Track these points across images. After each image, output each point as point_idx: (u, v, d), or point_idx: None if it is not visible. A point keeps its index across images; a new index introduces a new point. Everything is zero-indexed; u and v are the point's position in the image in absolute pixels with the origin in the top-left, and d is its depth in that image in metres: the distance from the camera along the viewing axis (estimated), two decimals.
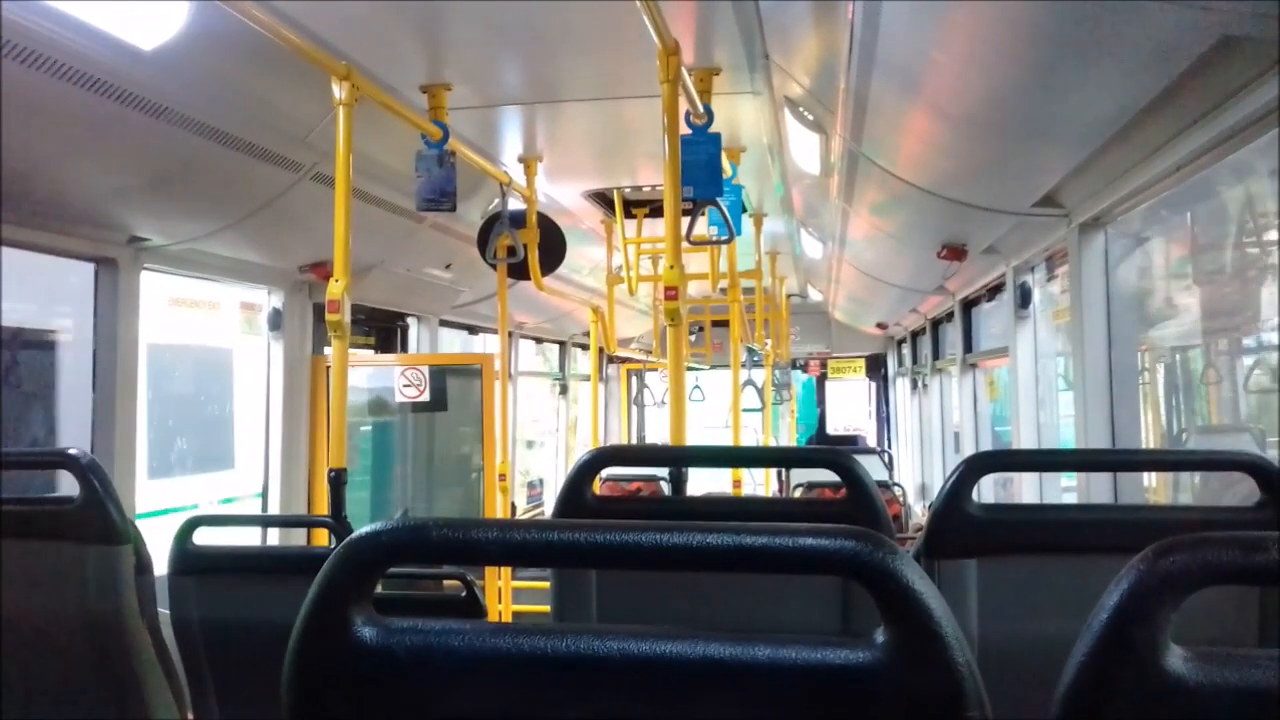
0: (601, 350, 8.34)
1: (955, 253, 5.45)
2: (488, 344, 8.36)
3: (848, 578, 0.81)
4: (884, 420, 14.53)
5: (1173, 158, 3.07)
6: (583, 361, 11.13)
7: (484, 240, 5.48)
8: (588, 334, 8.23)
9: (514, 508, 6.47)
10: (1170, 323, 4.65)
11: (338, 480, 3.52)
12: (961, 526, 1.89)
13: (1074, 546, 1.84)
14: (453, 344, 8.00)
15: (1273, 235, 3.79)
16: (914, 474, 11.83)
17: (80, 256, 3.99)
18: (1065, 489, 5.16)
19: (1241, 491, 1.88)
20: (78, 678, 2.19)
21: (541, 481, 10.89)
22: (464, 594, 2.77)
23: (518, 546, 0.86)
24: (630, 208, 6.71)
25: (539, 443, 11.30)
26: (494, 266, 5.49)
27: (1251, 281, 4.02)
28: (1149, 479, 4.31)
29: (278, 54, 3.10)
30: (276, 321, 5.37)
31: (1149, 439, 4.53)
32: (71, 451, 2.24)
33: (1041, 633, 1.66)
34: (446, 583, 3.15)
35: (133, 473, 4.16)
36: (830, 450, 2.48)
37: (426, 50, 3.85)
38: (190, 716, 2.64)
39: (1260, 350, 4.13)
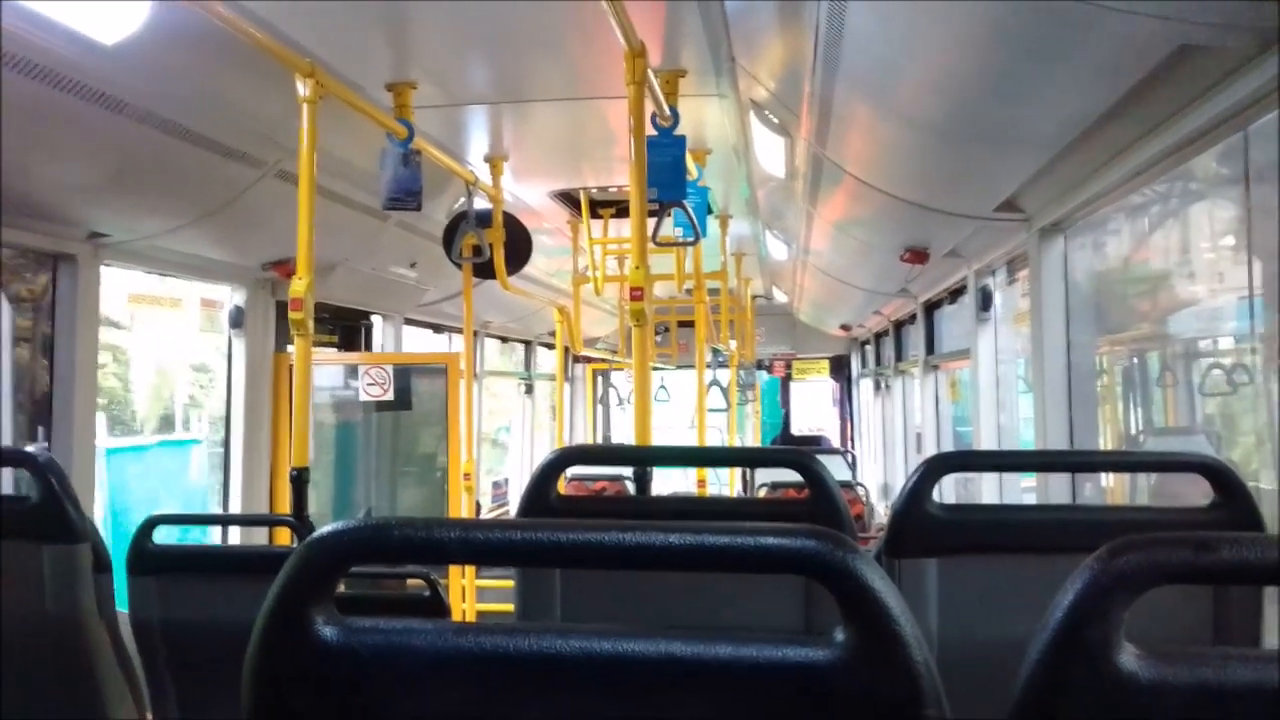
0: (567, 350, 8.33)
1: (918, 256, 5.50)
2: (453, 344, 8.33)
3: (808, 577, 0.82)
4: (848, 421, 14.61)
5: (1131, 164, 3.11)
6: (547, 361, 11.11)
7: (449, 239, 5.46)
8: (553, 334, 8.22)
9: (479, 507, 6.45)
10: (1128, 326, 4.71)
11: (300, 479, 3.50)
12: (922, 526, 1.91)
13: (1032, 546, 1.86)
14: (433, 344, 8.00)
15: (1229, 240, 3.85)
16: (877, 474, 11.91)
17: (39, 252, 3.93)
18: (1025, 489, 5.22)
19: (1198, 492, 1.91)
20: (35, 677, 2.16)
21: (507, 481, 10.87)
22: (428, 594, 2.76)
23: (480, 546, 0.86)
24: (596, 208, 6.71)
25: (502, 443, 11.28)
26: (459, 266, 5.47)
27: (1208, 286, 4.09)
28: (1107, 480, 4.37)
29: (242, 50, 3.08)
30: (238, 319, 5.32)
31: (1106, 441, 4.59)
32: (29, 450, 2.22)
33: (1000, 632, 1.68)
34: (410, 582, 3.13)
35: (92, 472, 4.11)
36: (793, 451, 2.50)
37: (392, 48, 3.83)
38: (149, 717, 2.61)
39: (1216, 354, 4.20)
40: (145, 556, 2.63)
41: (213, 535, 5.82)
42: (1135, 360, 4.83)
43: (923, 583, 1.88)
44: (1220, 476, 1.85)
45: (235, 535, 5.32)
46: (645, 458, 3.43)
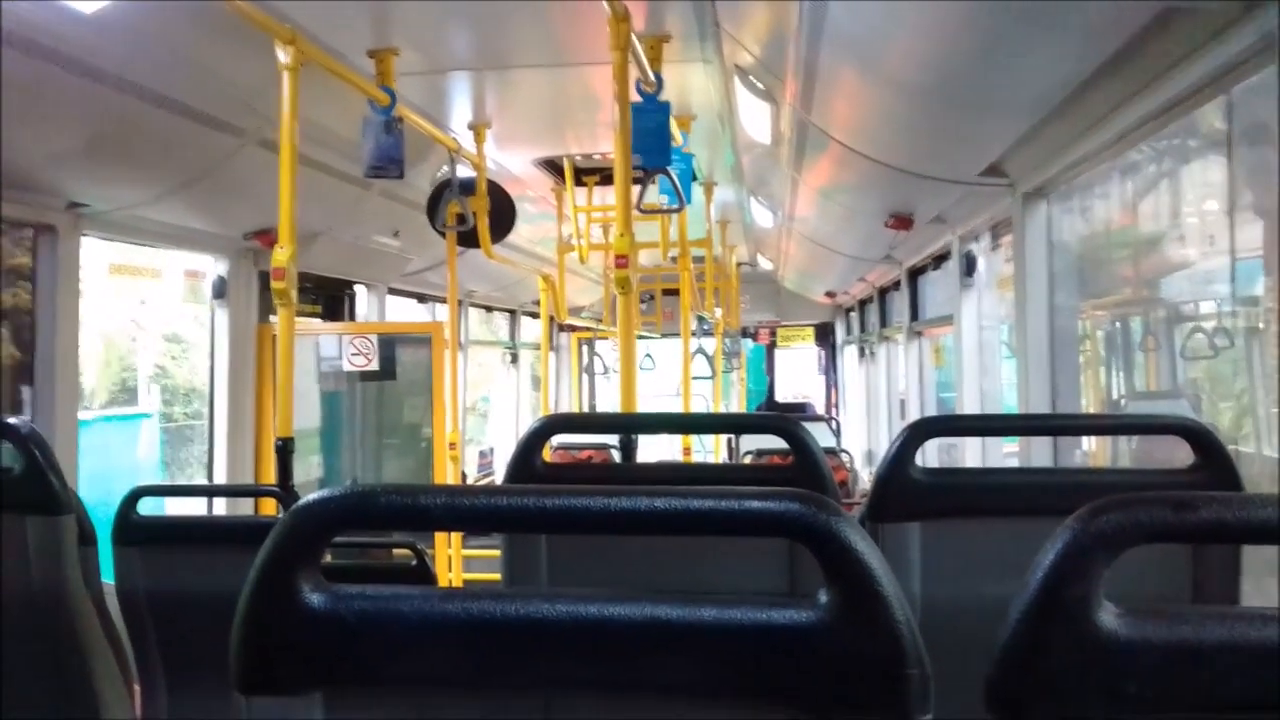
0: (552, 319, 8.32)
1: (902, 222, 5.50)
2: (437, 313, 8.31)
3: (791, 539, 0.82)
4: (832, 388, 14.66)
5: (1115, 128, 3.11)
6: (531, 330, 11.10)
7: (433, 208, 5.44)
8: (538, 303, 8.20)
9: (464, 476, 6.46)
10: (1111, 291, 4.73)
11: (285, 449, 3.50)
12: (905, 491, 1.92)
13: (1014, 509, 1.88)
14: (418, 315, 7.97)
15: (1212, 204, 3.86)
16: (862, 441, 11.96)
17: (18, 223, 3.90)
18: (1008, 454, 5.26)
19: (1182, 456, 1.93)
20: (21, 650, 2.16)
21: (492, 450, 10.88)
22: (414, 562, 2.77)
23: (465, 512, 0.86)
24: (581, 175, 6.68)
25: (481, 412, 11.27)
26: (443, 234, 5.45)
27: (1190, 250, 4.10)
28: (1088, 444, 4.40)
29: (221, 17, 3.04)
30: (221, 289, 5.29)
31: (1089, 405, 4.62)
32: (10, 421, 2.21)
33: (982, 593, 1.69)
34: (397, 552, 3.14)
35: (74, 442, 4.09)
36: (777, 416, 2.51)
37: (373, 14, 3.79)
38: (136, 688, 2.62)
39: (1198, 318, 4.22)
40: (130, 528, 2.62)
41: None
42: (1118, 325, 4.85)
43: (906, 546, 1.90)
44: (1200, 438, 1.87)
45: (220, 506, 5.32)
46: (630, 425, 3.44)
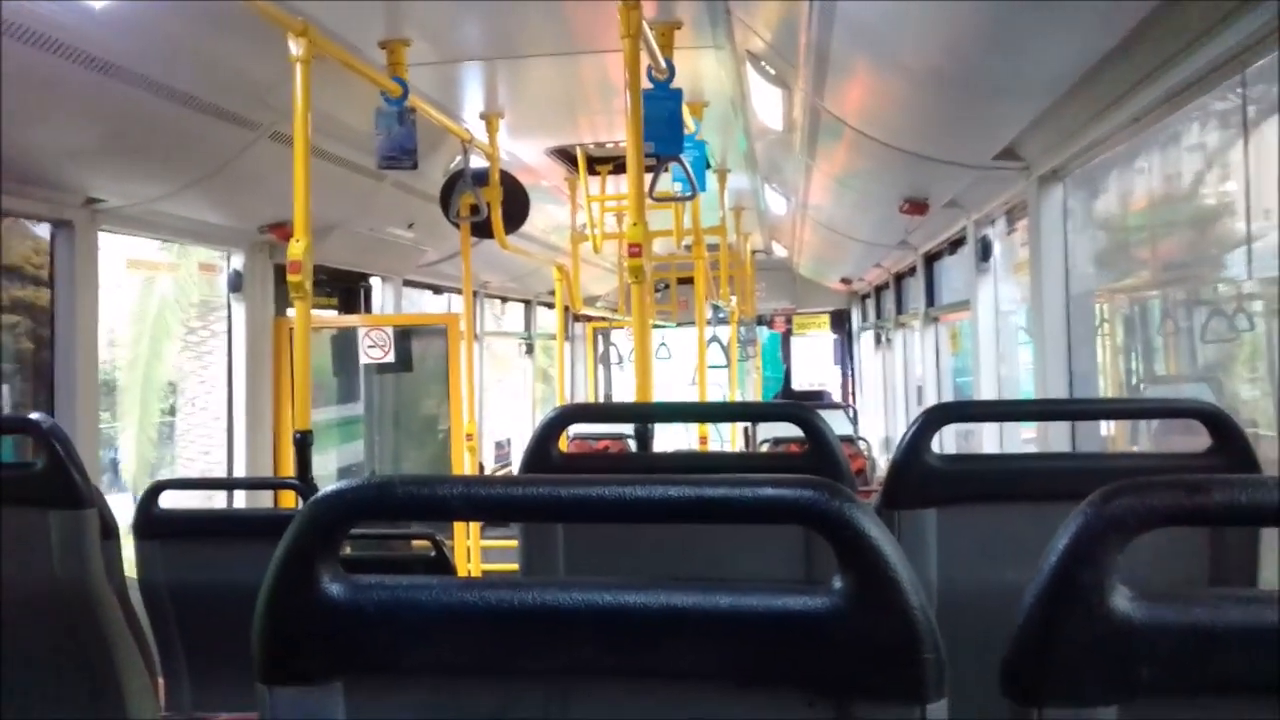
0: (567, 309, 8.33)
1: (917, 207, 5.47)
2: (452, 305, 8.33)
3: (804, 526, 0.83)
4: (849, 375, 14.62)
5: (1130, 109, 3.09)
6: (547, 320, 11.11)
7: (446, 199, 5.44)
8: (553, 293, 8.21)
9: (481, 467, 6.48)
10: (1128, 274, 4.70)
11: (303, 442, 3.52)
12: (920, 477, 1.92)
13: (1030, 494, 1.87)
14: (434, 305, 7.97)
15: (1230, 186, 3.83)
16: (879, 428, 11.93)
17: (36, 218, 3.93)
18: (1026, 440, 5.24)
19: (1203, 440, 1.91)
20: (45, 644, 2.18)
21: (509, 441, 10.91)
22: (433, 553, 2.79)
23: (482, 502, 0.87)
24: (594, 164, 6.67)
25: (499, 402, 11.28)
26: (457, 225, 5.45)
27: (1209, 233, 4.07)
28: (1107, 429, 4.38)
29: (232, 10, 3.05)
30: (237, 283, 5.32)
31: (1107, 389, 4.59)
32: (33, 416, 2.23)
33: (999, 579, 1.69)
34: (416, 543, 3.16)
35: (95, 437, 4.13)
36: (792, 404, 2.51)
37: (385, 5, 3.79)
38: (160, 680, 2.64)
39: (1217, 300, 4.19)
40: (151, 521, 2.65)
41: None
42: (1135, 308, 4.82)
43: (922, 533, 1.89)
44: (1216, 421, 1.86)
45: (240, 499, 5.35)
46: (645, 414, 3.45)
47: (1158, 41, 2.61)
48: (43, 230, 4.01)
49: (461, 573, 5.15)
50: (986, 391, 5.56)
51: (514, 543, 2.11)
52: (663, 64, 3.84)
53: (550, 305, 9.79)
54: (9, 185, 3.61)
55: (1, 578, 2.12)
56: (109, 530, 2.32)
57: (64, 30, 2.88)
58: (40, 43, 2.84)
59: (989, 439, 5.51)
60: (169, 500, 2.72)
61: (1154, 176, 4.16)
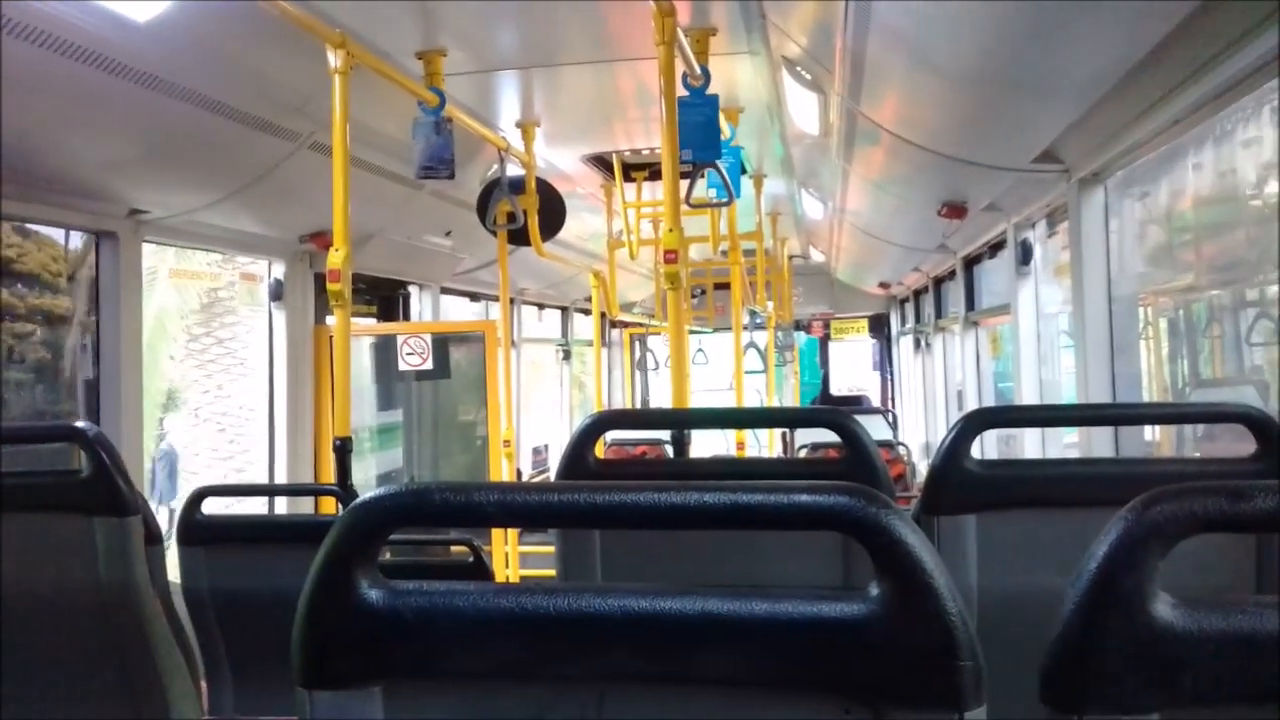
0: (604, 315, 8.34)
1: (955, 210, 5.43)
2: (490, 312, 8.37)
3: (839, 532, 0.82)
4: (888, 380, 14.53)
5: (1171, 110, 3.05)
6: (584, 327, 11.13)
7: (483, 207, 5.47)
8: (590, 299, 8.22)
9: (519, 474, 6.50)
10: (1172, 277, 4.64)
11: (343, 449, 3.55)
12: (960, 483, 1.90)
13: (1071, 500, 1.85)
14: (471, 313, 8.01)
15: (1274, 186, 3.77)
16: (919, 434, 11.84)
17: (81, 229, 4.00)
18: (1069, 445, 5.17)
19: (1249, 445, 1.88)
20: (91, 649, 2.21)
21: (546, 447, 10.93)
22: (471, 559, 2.80)
23: (518, 508, 0.88)
24: (629, 171, 6.68)
25: (536, 408, 11.31)
26: (494, 233, 5.48)
27: (1254, 233, 4.01)
28: (1151, 433, 4.32)
29: (272, 23, 3.09)
30: (278, 292, 5.38)
31: (1151, 394, 4.53)
32: (78, 424, 2.26)
33: (1039, 585, 1.67)
34: (454, 549, 3.17)
35: (140, 444, 4.19)
36: (829, 410, 2.50)
37: (421, 16, 3.82)
38: (204, 684, 2.67)
39: (1263, 303, 4.12)
40: (194, 527, 2.68)
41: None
42: (1179, 311, 4.76)
43: (962, 539, 1.88)
44: (1261, 426, 1.83)
45: (281, 505, 5.41)
46: (681, 420, 3.44)
47: (1199, 41, 2.58)
48: (58, 235, 4.06)
49: (500, 578, 5.16)
50: (1028, 396, 5.50)
51: (551, 548, 2.12)
52: (698, 70, 3.84)
53: (587, 311, 9.81)
54: (56, 198, 3.68)
55: (48, 583, 2.16)
56: (154, 536, 2.35)
57: (108, 44, 2.93)
58: (86, 57, 2.89)
59: (1031, 444, 5.45)
60: (211, 507, 2.75)
61: (1197, 177, 4.10)
